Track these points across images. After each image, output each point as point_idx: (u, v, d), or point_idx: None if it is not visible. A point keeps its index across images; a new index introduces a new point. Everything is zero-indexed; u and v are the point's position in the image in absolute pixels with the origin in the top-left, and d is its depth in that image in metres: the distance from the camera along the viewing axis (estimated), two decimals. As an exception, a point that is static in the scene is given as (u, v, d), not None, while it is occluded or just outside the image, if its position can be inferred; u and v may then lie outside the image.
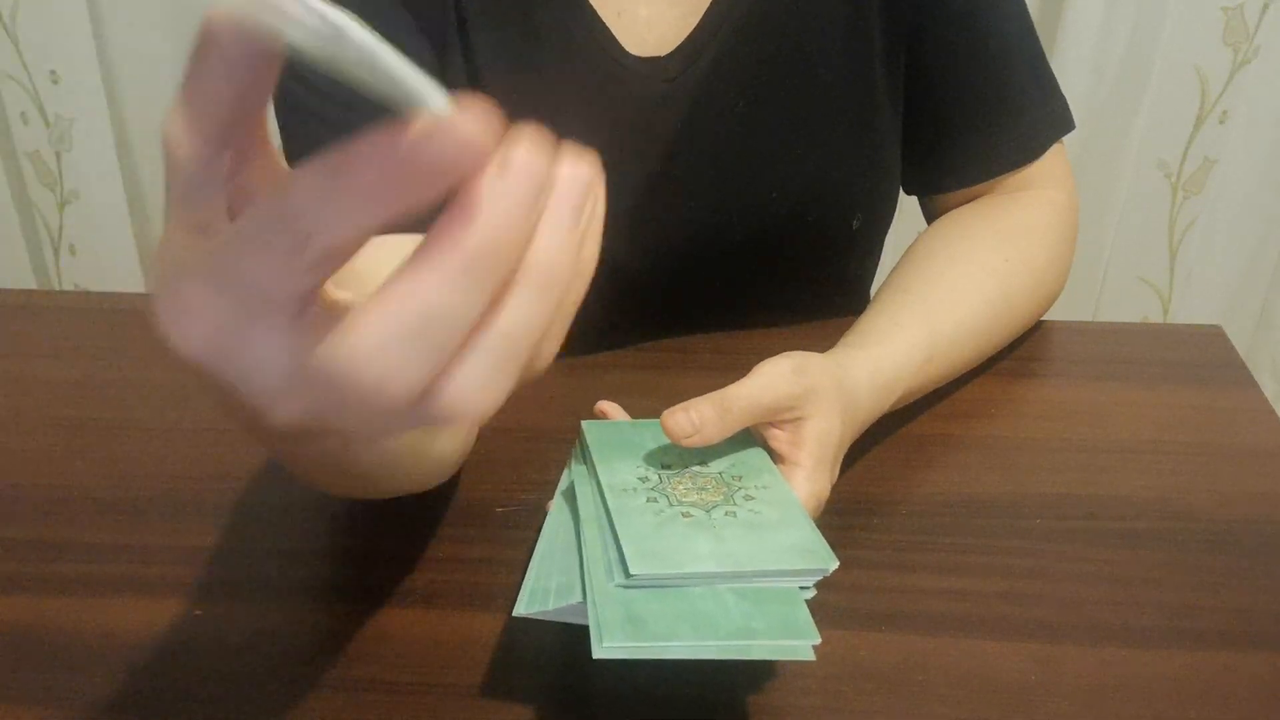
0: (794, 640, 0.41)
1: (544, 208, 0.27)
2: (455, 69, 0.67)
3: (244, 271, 0.25)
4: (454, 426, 0.26)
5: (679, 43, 0.69)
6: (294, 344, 0.26)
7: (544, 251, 0.26)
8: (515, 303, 0.26)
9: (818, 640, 0.41)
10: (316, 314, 0.26)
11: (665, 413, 0.51)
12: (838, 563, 0.44)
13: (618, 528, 0.46)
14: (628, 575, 0.43)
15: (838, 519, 0.55)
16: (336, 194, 0.24)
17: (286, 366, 0.26)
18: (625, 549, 0.44)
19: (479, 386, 0.26)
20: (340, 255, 0.25)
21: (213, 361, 0.26)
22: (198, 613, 0.53)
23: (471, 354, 0.26)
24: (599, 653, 0.40)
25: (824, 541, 0.46)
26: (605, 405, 0.58)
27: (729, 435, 0.51)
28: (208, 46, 0.24)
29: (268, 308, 0.25)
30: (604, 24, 0.68)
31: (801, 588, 0.44)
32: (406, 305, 0.24)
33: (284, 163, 0.29)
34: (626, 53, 0.69)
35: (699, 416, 0.50)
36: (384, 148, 0.23)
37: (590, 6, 0.68)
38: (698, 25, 0.69)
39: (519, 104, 0.68)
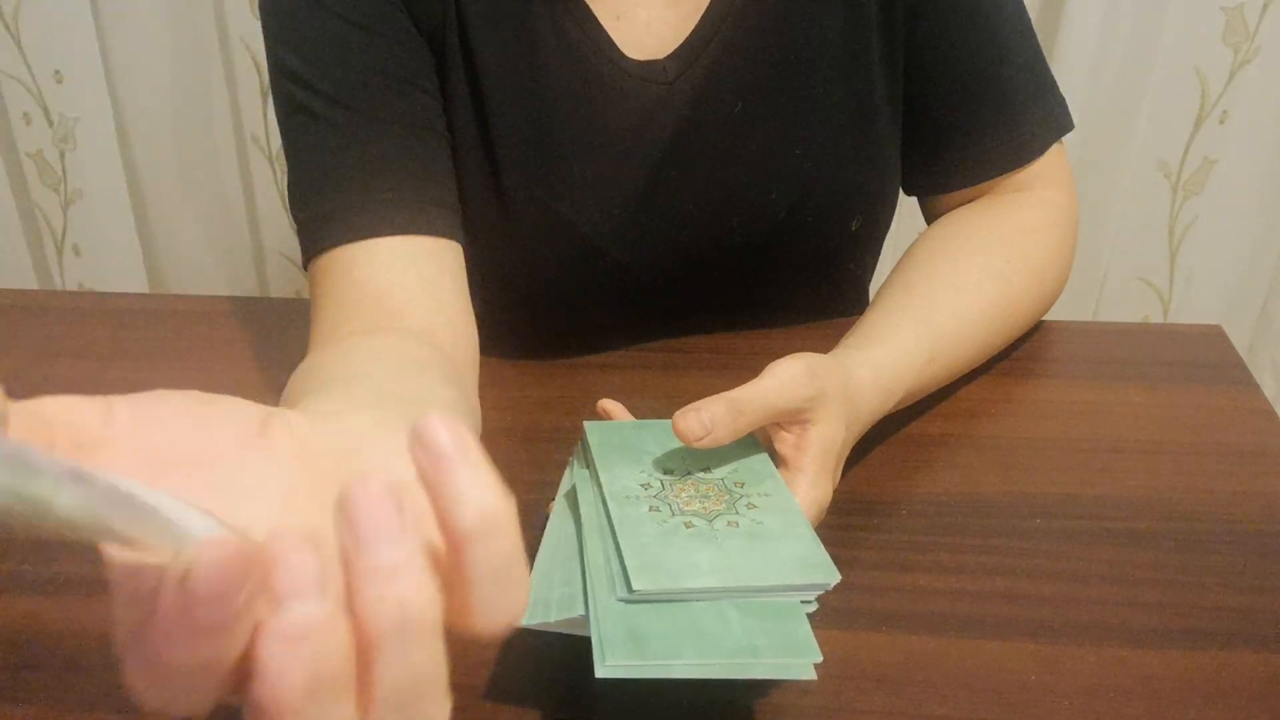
0: (796, 659, 0.41)
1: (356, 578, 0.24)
2: (455, 73, 0.67)
3: (161, 670, 0.25)
4: None
5: (677, 45, 0.69)
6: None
7: (381, 607, 0.24)
8: (385, 665, 0.24)
9: (819, 659, 0.41)
10: None
11: (676, 414, 0.50)
12: (839, 577, 0.44)
13: (620, 539, 0.45)
14: (630, 590, 0.43)
15: (838, 519, 0.55)
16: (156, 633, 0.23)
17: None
18: (627, 563, 0.44)
19: None
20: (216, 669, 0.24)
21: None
22: (198, 613, 0.53)
23: None
24: (601, 671, 0.40)
25: (826, 554, 0.45)
26: (608, 404, 0.58)
27: (740, 437, 0.51)
28: None
29: (202, 679, 0.24)
30: (602, 27, 0.68)
31: (803, 601, 0.44)
32: None
33: None
34: (625, 55, 0.69)
35: (710, 418, 0.49)
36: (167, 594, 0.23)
37: (589, 9, 0.68)
38: (696, 28, 0.69)
39: (519, 108, 0.69)
